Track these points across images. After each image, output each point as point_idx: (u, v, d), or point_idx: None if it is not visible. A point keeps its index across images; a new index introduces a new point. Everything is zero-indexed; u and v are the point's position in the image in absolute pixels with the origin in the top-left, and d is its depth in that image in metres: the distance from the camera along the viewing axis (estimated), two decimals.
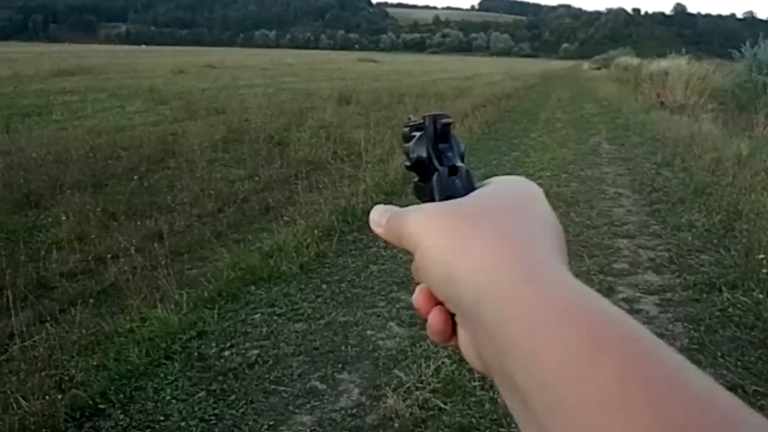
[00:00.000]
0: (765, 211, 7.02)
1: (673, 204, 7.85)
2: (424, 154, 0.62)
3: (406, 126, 0.71)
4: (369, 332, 4.50)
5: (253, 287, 5.23)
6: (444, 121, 0.63)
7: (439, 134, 0.63)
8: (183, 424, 3.47)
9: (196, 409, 3.60)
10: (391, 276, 5.52)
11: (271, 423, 3.48)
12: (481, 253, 0.46)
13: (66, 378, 3.76)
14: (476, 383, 3.82)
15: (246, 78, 30.08)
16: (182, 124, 13.35)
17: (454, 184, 0.59)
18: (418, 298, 0.54)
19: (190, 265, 5.79)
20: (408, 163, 0.64)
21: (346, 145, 11.09)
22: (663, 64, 26.55)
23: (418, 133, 0.64)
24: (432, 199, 0.59)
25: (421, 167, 0.63)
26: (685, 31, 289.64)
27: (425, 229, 0.51)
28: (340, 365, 4.08)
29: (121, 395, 3.71)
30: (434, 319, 0.52)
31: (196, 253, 6.10)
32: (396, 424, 3.46)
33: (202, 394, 3.75)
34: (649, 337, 0.38)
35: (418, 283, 0.55)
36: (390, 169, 9.01)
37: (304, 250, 5.88)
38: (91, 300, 4.82)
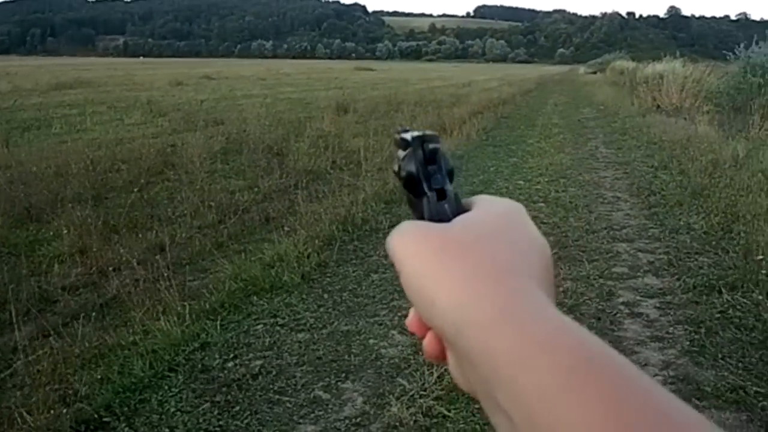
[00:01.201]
0: (762, 212, 7.03)
1: (671, 207, 7.87)
2: (414, 171, 0.63)
3: (397, 133, 0.71)
4: (372, 341, 4.52)
5: (255, 298, 5.24)
6: (432, 146, 0.64)
7: (428, 156, 0.63)
8: None
9: (200, 420, 3.61)
10: (392, 284, 5.53)
11: None
12: (462, 284, 0.47)
13: (70, 392, 3.77)
14: None
15: (244, 89, 30.12)
16: (181, 135, 13.35)
17: (443, 208, 0.59)
18: (412, 321, 0.55)
19: (192, 276, 5.80)
20: (397, 171, 0.64)
21: (344, 154, 11.11)
22: (658, 67, 26.58)
23: (402, 153, 0.65)
24: (422, 218, 0.60)
25: (411, 183, 0.63)
26: (680, 34, 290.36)
27: (410, 254, 0.51)
28: (343, 374, 4.09)
29: (126, 408, 3.72)
30: (428, 342, 0.53)
31: (197, 265, 6.11)
32: None
33: (206, 405, 3.76)
34: (624, 364, 0.40)
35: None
36: (389, 178, 9.02)
37: (305, 260, 5.89)
38: (94, 313, 4.82)
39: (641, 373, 0.40)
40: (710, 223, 7.02)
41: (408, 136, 0.65)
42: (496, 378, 0.43)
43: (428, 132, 0.65)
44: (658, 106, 20.01)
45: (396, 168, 0.65)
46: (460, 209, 0.59)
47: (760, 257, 5.71)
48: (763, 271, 5.43)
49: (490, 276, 0.47)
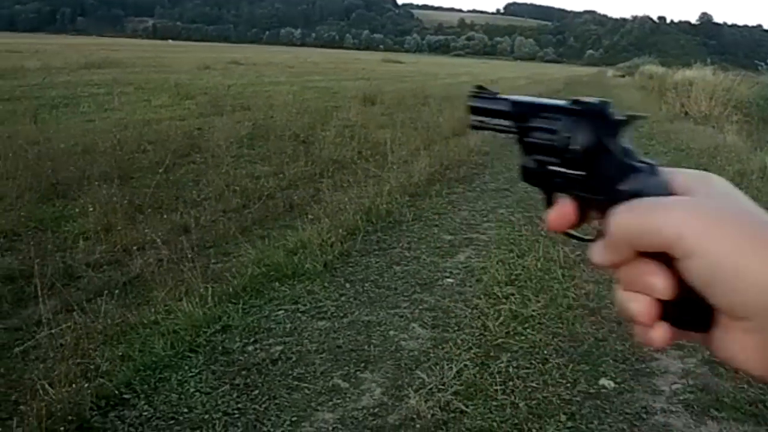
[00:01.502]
0: None
1: None
2: (591, 143, 0.63)
3: (481, 97, 0.76)
4: (392, 332, 4.53)
5: (277, 284, 5.26)
6: (625, 115, 0.64)
7: (605, 125, 0.63)
8: (206, 416, 3.50)
9: (219, 402, 3.64)
10: (414, 277, 5.54)
11: (293, 419, 3.51)
12: None
13: (92, 367, 3.80)
14: (498, 387, 3.84)
15: (271, 75, 30.12)
16: (208, 119, 13.40)
17: (661, 183, 0.60)
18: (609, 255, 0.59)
19: (215, 259, 5.83)
20: (566, 143, 0.64)
21: (370, 145, 11.10)
22: (688, 73, 26.40)
23: (568, 120, 0.64)
24: (589, 196, 0.63)
25: (582, 157, 0.63)
26: (711, 41, 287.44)
27: (709, 232, 0.52)
28: (362, 364, 4.10)
29: (146, 386, 3.75)
30: (642, 302, 0.58)
31: (221, 248, 6.14)
32: (417, 425, 3.48)
33: (225, 387, 3.78)
34: None
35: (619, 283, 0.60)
36: (414, 171, 9.03)
37: (328, 249, 5.90)
38: (117, 291, 4.86)
39: None
40: None
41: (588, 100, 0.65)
42: None
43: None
44: (686, 113, 19.85)
45: (567, 139, 0.64)
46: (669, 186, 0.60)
47: None
48: None
49: None
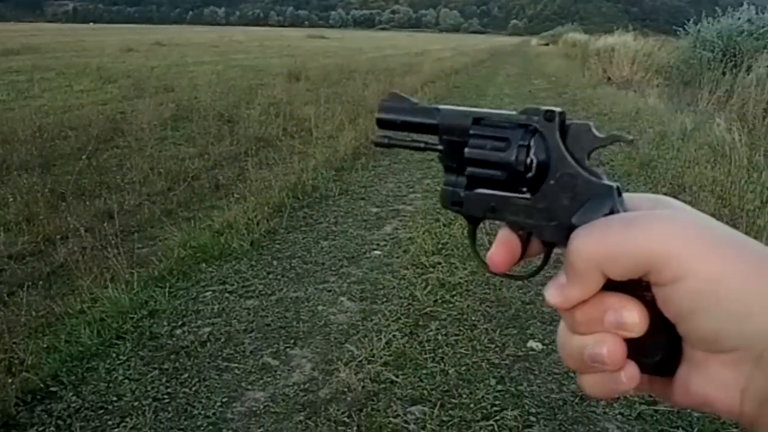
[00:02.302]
0: (708, 183, 7.17)
1: (620, 177, 7.96)
2: (544, 158, 0.56)
3: (396, 109, 0.64)
4: (320, 307, 4.53)
5: (203, 265, 5.22)
6: (579, 122, 0.57)
7: (567, 140, 0.56)
8: (136, 403, 3.46)
9: (149, 388, 3.60)
10: (341, 251, 5.55)
11: (224, 400, 3.50)
12: None
13: (16, 361, 3.73)
14: (427, 355, 3.88)
15: (195, 55, 29.69)
16: (131, 102, 13.18)
17: (625, 207, 0.54)
18: (575, 297, 0.52)
19: (140, 244, 5.75)
20: (521, 158, 0.56)
21: (296, 121, 11.06)
22: (610, 40, 26.74)
23: (522, 132, 0.57)
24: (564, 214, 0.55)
25: (532, 176, 0.56)
26: (632, 9, 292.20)
27: (703, 250, 0.46)
28: (292, 341, 4.10)
29: (73, 377, 3.69)
30: (612, 342, 0.51)
31: (146, 232, 6.06)
32: (348, 398, 3.50)
33: (154, 373, 3.74)
34: None
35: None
36: (339, 145, 9.03)
37: (254, 227, 5.88)
38: (41, 282, 4.79)
39: None
40: (658, 193, 7.11)
41: (551, 109, 0.57)
42: None
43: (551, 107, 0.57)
44: (609, 79, 20.19)
45: (516, 154, 0.56)
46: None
47: None
48: None
49: None
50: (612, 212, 0.53)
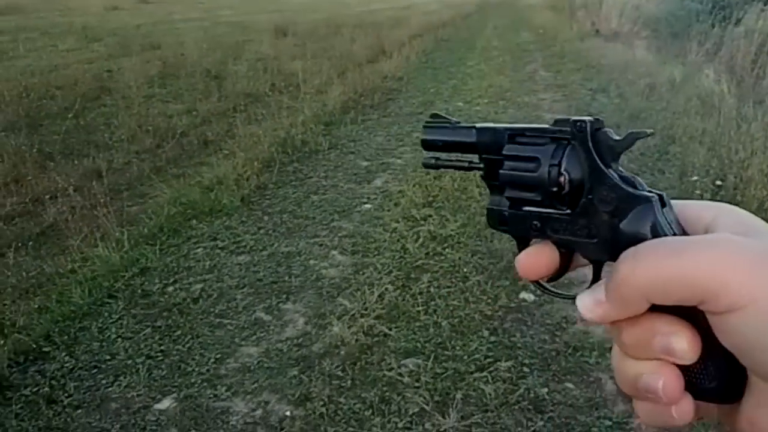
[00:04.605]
0: (697, 134, 7.15)
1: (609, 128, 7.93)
2: (577, 173, 0.54)
3: (438, 127, 0.63)
4: (312, 262, 4.53)
5: (194, 221, 5.20)
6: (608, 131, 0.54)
7: (599, 149, 0.53)
8: (129, 362, 3.47)
9: (142, 346, 3.60)
10: (332, 205, 5.53)
11: (217, 356, 3.50)
12: None
13: (7, 323, 3.73)
14: (420, 308, 3.89)
15: (181, 12, 29.25)
16: (117, 60, 13.02)
17: (674, 218, 0.50)
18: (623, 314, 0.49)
19: (130, 202, 5.73)
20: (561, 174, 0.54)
21: (283, 77, 10.96)
22: None
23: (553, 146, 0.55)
24: (612, 239, 0.51)
25: (569, 192, 0.54)
26: None
27: (763, 278, 0.42)
28: (284, 296, 4.10)
29: (66, 337, 3.69)
30: (670, 373, 0.48)
31: (135, 190, 6.03)
32: (342, 352, 3.51)
33: (147, 330, 3.74)
34: None
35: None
36: (328, 100, 8.99)
37: (244, 183, 5.86)
38: (31, 242, 4.78)
39: None
40: (647, 144, 7.10)
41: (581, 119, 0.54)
42: None
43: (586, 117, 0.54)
44: (597, 31, 20.02)
45: (548, 173, 0.55)
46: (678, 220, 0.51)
47: (695, 178, 5.82)
48: (697, 191, 5.55)
49: None
50: (654, 226, 0.50)
